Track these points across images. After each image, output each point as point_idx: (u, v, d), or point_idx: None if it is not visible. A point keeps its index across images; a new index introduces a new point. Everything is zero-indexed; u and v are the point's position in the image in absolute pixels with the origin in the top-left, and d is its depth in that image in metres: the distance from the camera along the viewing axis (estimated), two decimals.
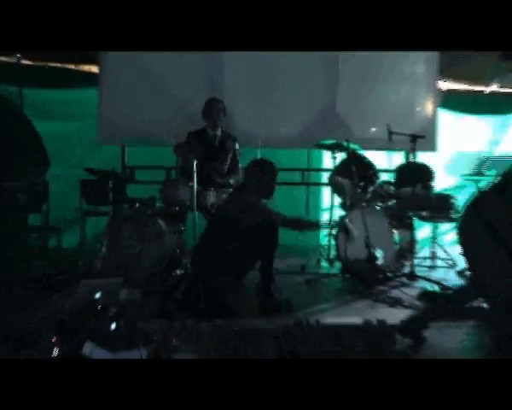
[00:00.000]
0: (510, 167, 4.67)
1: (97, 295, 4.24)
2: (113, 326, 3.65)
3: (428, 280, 6.47)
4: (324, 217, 8.22)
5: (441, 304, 5.54)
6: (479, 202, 4.61)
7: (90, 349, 3.38)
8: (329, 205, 7.48)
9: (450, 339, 4.67)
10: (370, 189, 7.11)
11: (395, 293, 6.11)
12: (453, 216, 6.92)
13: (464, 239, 4.64)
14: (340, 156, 7.28)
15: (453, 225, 7.66)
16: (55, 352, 3.49)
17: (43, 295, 5.38)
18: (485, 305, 5.48)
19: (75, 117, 8.05)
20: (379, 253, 6.46)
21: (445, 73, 8.84)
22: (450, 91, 9.08)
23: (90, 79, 8.10)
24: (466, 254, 4.62)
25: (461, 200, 6.80)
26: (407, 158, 7.74)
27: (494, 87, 9.36)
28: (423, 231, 8.06)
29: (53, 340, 3.59)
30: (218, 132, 7.05)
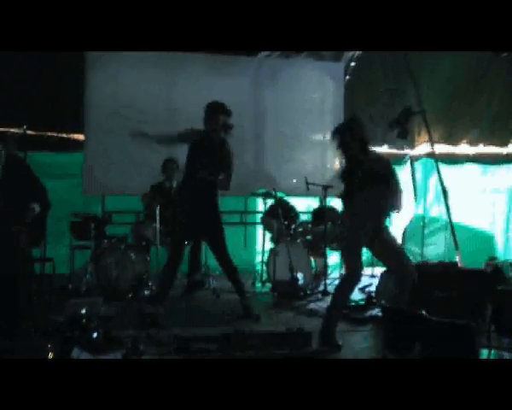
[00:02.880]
0: None
1: (83, 311, 4.26)
2: (95, 335, 3.67)
3: None
4: (259, 249, 8.24)
5: (346, 313, 5.65)
6: None
7: (77, 353, 3.39)
8: (262, 239, 7.56)
9: (353, 341, 4.80)
10: (293, 226, 7.26)
11: (312, 306, 6.24)
12: None
13: None
14: (270, 202, 7.40)
15: None
16: (50, 355, 3.50)
17: None
18: (378, 314, 5.63)
19: (66, 174, 7.93)
20: (300, 275, 6.63)
21: None
22: None
23: (78, 145, 8.04)
24: None
25: None
26: (320, 203, 7.86)
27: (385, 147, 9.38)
28: (333, 257, 8.19)
29: (49, 345, 3.59)
30: (174, 184, 7.03)
